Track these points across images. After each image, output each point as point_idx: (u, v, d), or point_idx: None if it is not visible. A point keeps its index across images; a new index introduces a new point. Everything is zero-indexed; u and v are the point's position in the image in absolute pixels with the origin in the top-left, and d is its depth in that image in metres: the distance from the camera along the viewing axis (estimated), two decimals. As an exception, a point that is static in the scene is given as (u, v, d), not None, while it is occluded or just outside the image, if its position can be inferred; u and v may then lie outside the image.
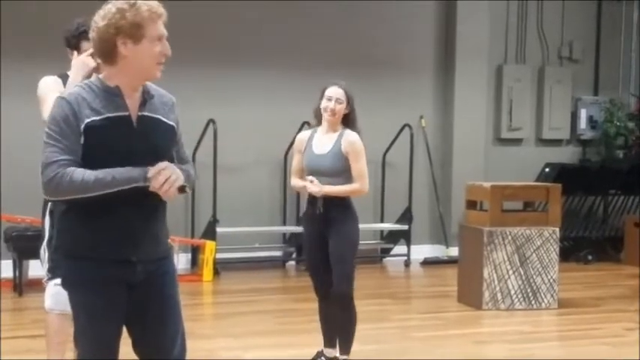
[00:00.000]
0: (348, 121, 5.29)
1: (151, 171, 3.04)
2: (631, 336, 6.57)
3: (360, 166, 5.21)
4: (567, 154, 11.15)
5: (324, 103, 5.20)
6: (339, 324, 5.33)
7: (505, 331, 6.88)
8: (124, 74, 3.12)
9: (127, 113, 3.12)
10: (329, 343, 5.43)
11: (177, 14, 10.28)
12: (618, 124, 10.91)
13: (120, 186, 3.02)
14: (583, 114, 11.13)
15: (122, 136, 3.09)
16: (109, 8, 3.09)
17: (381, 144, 10.25)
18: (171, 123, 3.23)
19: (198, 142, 9.25)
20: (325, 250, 5.18)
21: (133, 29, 3.07)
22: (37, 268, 7.07)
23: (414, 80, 10.49)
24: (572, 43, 11.13)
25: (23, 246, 7.73)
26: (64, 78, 4.51)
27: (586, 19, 11.20)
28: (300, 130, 8.42)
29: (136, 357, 3.33)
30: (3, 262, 8.26)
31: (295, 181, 5.36)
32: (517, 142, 11.02)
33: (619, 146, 11.15)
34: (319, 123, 5.32)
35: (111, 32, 3.07)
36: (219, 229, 9.16)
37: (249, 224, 9.51)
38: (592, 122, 11.12)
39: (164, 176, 3.05)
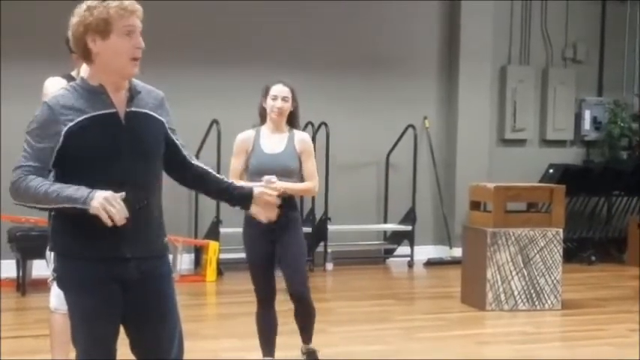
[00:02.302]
0: (292, 118, 5.19)
1: (102, 203, 2.94)
2: (634, 337, 6.55)
3: (312, 165, 5.17)
4: (571, 155, 11.14)
5: (269, 103, 5.10)
6: (302, 322, 5.28)
7: (508, 332, 6.88)
8: (102, 72, 3.13)
9: (114, 110, 3.12)
10: (271, 350, 5.29)
11: (179, 14, 10.29)
12: (622, 125, 10.90)
13: (62, 204, 2.98)
14: (587, 115, 11.12)
15: (110, 133, 3.09)
16: (81, 6, 3.12)
17: (385, 145, 10.26)
18: (160, 118, 3.23)
19: (202, 143, 9.26)
20: (272, 253, 5.11)
21: (99, 25, 3.06)
22: (39, 268, 7.09)
23: (417, 81, 10.50)
24: (576, 44, 11.12)
25: (27, 246, 7.74)
26: (69, 79, 4.52)
27: (590, 20, 11.19)
28: (304, 129, 8.42)
29: (133, 357, 3.33)
30: (6, 261, 8.28)
31: (240, 183, 5.05)
32: (521, 143, 11.02)
33: (623, 147, 11.15)
34: (262, 122, 5.19)
35: (81, 30, 3.09)
36: (222, 230, 9.16)
37: (252, 225, 9.51)
38: (596, 123, 11.11)
39: (108, 213, 2.95)
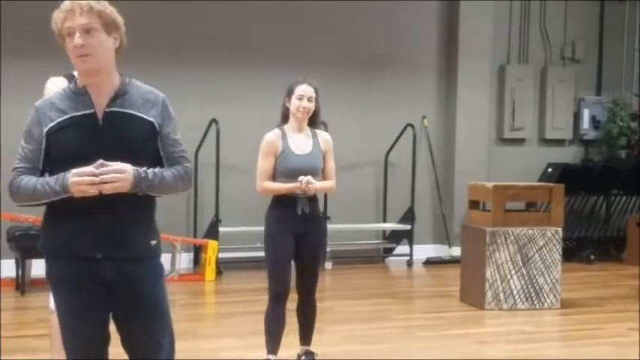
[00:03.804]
0: (313, 118, 5.23)
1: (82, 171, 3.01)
2: (634, 336, 6.56)
3: (333, 164, 5.28)
4: (570, 154, 11.15)
5: (295, 103, 5.11)
6: (309, 320, 5.37)
7: (507, 331, 6.88)
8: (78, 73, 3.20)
9: (92, 111, 3.14)
10: (276, 348, 5.27)
11: (179, 14, 10.28)
12: (621, 124, 10.92)
13: (52, 197, 3.07)
14: (586, 114, 11.13)
15: (87, 133, 3.11)
16: None
17: (384, 144, 10.26)
18: (149, 118, 3.19)
19: (201, 142, 9.27)
20: (294, 249, 5.16)
21: (58, 32, 3.15)
22: (39, 268, 7.09)
23: (416, 80, 10.50)
24: (574, 43, 11.13)
25: (26, 245, 7.73)
26: (70, 78, 4.52)
27: (589, 19, 11.20)
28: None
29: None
30: (5, 261, 8.27)
31: (272, 184, 5.10)
32: (520, 142, 11.02)
33: (621, 146, 11.16)
34: (284, 122, 5.22)
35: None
36: (221, 229, 9.17)
37: (251, 224, 9.51)
38: (595, 122, 11.12)
39: (89, 181, 3.01)
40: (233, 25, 9.66)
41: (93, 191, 3.00)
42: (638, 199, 10.92)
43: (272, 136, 5.17)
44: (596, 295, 8.30)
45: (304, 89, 5.12)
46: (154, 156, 3.21)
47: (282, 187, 5.08)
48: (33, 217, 7.70)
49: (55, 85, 4.45)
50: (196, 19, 9.44)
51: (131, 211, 3.16)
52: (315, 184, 5.04)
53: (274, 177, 5.15)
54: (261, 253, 9.13)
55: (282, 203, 5.13)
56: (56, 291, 3.23)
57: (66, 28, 3.11)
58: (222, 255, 9.10)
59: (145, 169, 3.11)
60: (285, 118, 5.23)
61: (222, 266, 9.14)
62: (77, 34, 3.09)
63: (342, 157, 10.28)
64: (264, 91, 9.77)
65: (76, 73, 4.58)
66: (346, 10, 10.06)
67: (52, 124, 3.11)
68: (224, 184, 9.32)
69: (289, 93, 5.16)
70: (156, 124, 3.20)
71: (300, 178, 4.98)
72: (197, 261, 9.33)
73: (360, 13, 10.14)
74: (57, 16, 3.14)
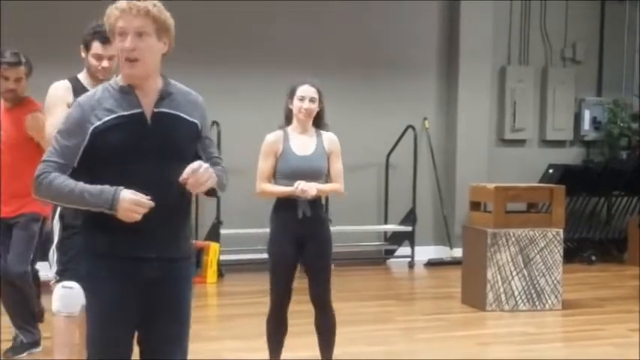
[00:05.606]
0: (317, 119, 5.08)
1: (187, 170, 3.06)
2: (635, 337, 6.56)
3: (340, 166, 5.09)
4: (571, 155, 11.15)
5: (297, 104, 4.97)
6: (324, 332, 5.20)
7: (509, 333, 6.89)
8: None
9: (140, 110, 3.12)
10: (279, 353, 5.22)
11: (180, 15, 10.28)
12: (622, 125, 10.92)
13: (87, 207, 3.04)
14: (586, 115, 11.14)
15: (135, 133, 3.09)
16: None
17: (385, 145, 10.26)
18: (194, 120, 3.22)
19: (203, 144, 9.27)
20: (297, 257, 5.03)
21: (109, 30, 3.13)
22: (42, 270, 7.09)
23: (417, 81, 10.51)
24: (575, 44, 11.14)
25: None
26: (74, 82, 4.54)
27: (589, 20, 11.21)
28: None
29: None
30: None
31: (270, 186, 4.98)
32: (520, 143, 11.03)
33: (622, 147, 11.16)
34: (288, 123, 5.08)
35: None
36: (223, 231, 9.17)
37: (253, 226, 9.52)
38: (595, 123, 11.13)
39: (195, 179, 3.07)
40: (235, 27, 9.67)
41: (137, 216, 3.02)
42: (639, 200, 10.92)
43: (273, 136, 5.06)
44: (598, 296, 8.31)
45: (306, 90, 4.98)
46: (194, 157, 3.22)
47: (279, 190, 4.94)
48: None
49: (57, 95, 4.46)
50: (197, 20, 9.44)
51: (178, 211, 3.18)
52: (312, 190, 4.82)
53: (275, 178, 5.03)
54: (263, 255, 9.13)
55: (284, 206, 4.99)
56: (95, 290, 3.17)
57: (118, 27, 3.08)
58: (223, 257, 9.10)
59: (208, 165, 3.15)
60: (288, 119, 5.09)
61: (223, 268, 9.14)
62: (129, 37, 3.07)
63: (343, 159, 10.31)
64: (266, 93, 9.77)
65: (80, 76, 4.62)
66: (347, 12, 10.07)
67: (98, 123, 3.07)
68: (225, 186, 9.33)
69: (291, 94, 5.02)
70: (199, 126, 3.25)
71: (296, 183, 4.82)
72: (199, 263, 9.32)
73: (361, 15, 10.14)
74: (111, 12, 3.10)
